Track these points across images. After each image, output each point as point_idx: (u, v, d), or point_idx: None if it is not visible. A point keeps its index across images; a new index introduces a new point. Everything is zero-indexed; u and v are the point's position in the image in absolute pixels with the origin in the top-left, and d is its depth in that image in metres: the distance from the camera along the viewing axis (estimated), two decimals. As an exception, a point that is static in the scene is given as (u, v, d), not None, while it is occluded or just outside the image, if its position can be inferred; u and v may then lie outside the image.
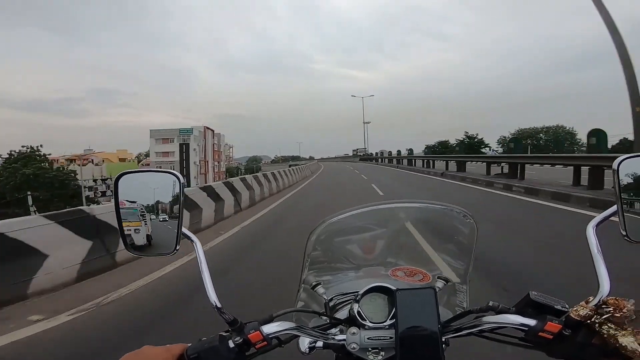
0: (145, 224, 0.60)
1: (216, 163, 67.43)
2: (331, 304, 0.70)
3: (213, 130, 65.65)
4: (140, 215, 0.60)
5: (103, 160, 53.59)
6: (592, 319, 0.48)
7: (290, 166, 23.36)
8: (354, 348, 0.56)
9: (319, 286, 0.72)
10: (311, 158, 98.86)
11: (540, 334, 0.50)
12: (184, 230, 0.59)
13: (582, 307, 0.49)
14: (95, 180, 39.85)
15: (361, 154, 66.15)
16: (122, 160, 60.80)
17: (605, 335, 0.46)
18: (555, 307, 0.51)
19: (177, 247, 0.59)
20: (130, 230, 0.60)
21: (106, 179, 40.36)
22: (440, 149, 18.44)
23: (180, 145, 53.97)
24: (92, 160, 51.37)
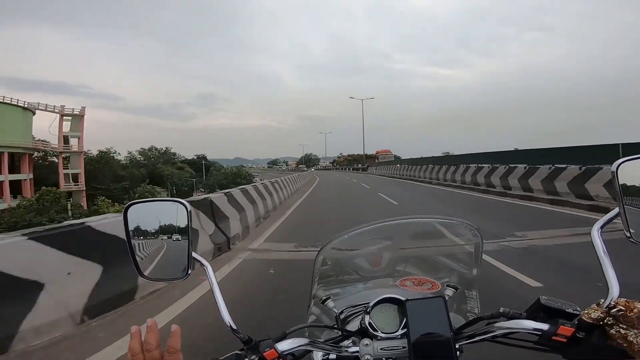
0: (155, 251, 0.61)
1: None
2: (342, 316, 0.71)
3: None
4: (150, 242, 0.61)
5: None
6: (605, 321, 0.48)
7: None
8: (367, 359, 0.56)
9: (329, 300, 0.73)
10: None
11: (554, 337, 0.50)
12: (195, 254, 0.61)
13: (593, 310, 0.49)
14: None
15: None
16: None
17: (616, 336, 0.46)
18: (567, 310, 0.52)
19: (189, 272, 0.61)
20: (141, 257, 0.61)
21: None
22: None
23: None
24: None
